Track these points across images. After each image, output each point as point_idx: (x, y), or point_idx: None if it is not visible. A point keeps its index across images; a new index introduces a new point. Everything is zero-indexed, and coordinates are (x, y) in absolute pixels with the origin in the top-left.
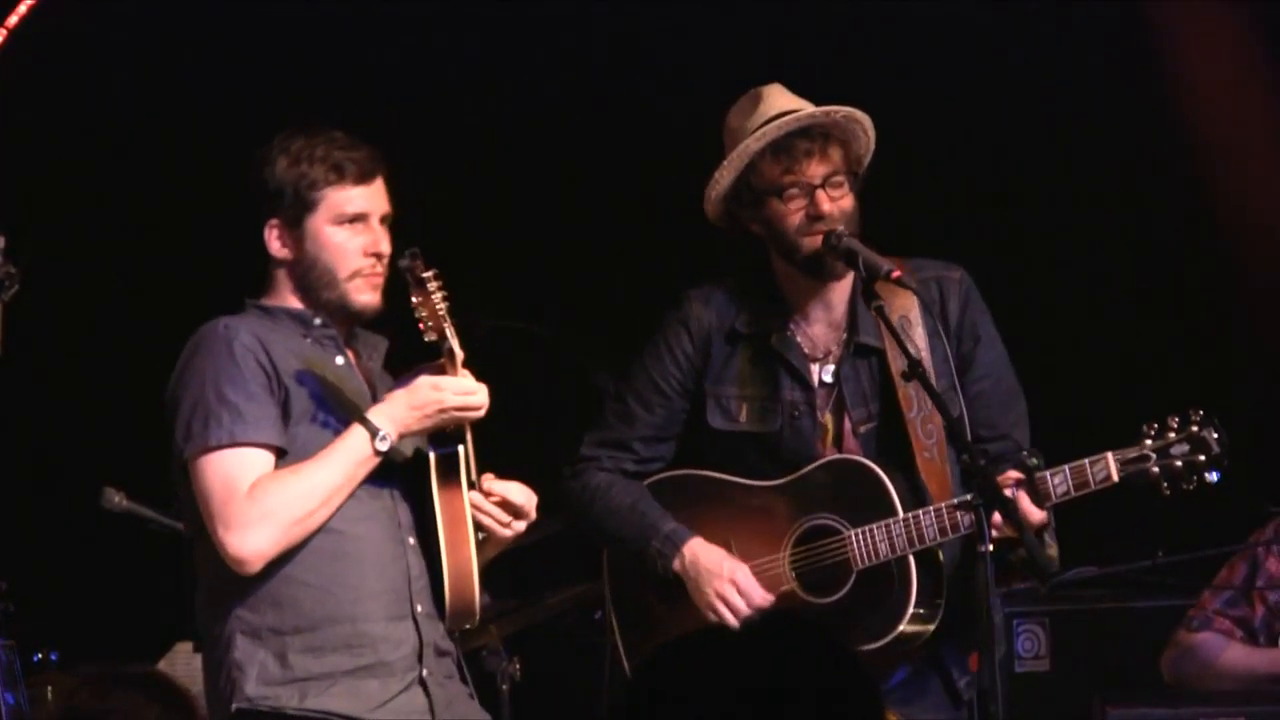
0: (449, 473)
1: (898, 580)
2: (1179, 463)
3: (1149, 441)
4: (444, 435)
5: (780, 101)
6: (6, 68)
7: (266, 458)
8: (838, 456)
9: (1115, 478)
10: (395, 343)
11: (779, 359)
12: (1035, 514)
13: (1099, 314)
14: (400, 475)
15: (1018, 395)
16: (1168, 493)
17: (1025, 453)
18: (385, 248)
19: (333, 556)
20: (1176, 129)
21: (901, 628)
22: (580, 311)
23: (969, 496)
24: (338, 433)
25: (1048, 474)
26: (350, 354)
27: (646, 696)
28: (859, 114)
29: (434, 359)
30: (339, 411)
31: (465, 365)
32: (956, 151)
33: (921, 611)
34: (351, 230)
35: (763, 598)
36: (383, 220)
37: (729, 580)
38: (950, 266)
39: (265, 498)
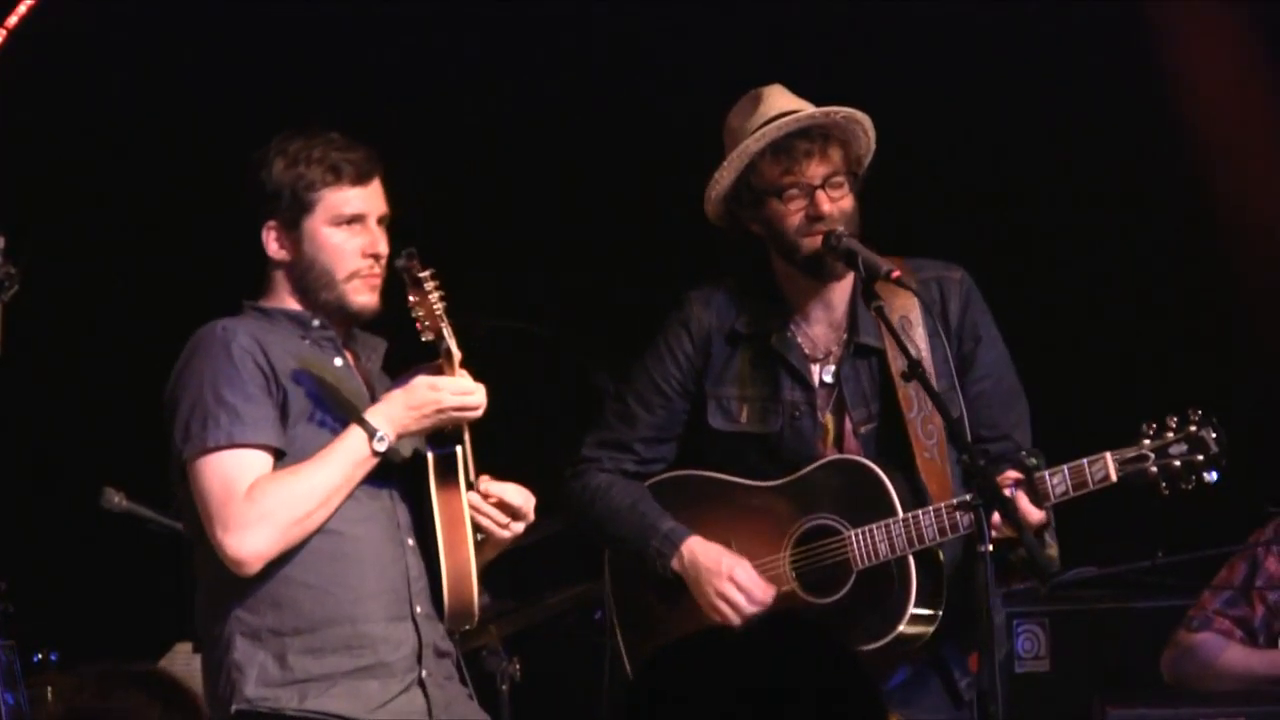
0: (447, 473)
1: (897, 581)
2: (1177, 463)
3: (1147, 441)
4: (442, 436)
5: (780, 102)
6: (6, 68)
7: (265, 459)
8: (838, 457)
9: (1114, 478)
10: (393, 343)
11: (779, 359)
12: (1034, 514)
13: (1099, 314)
14: (399, 476)
15: (1019, 395)
16: (1166, 493)
17: (1024, 453)
18: (383, 248)
19: (332, 557)
20: (1176, 129)
21: (901, 628)
22: (580, 311)
23: (968, 497)
24: (336, 434)
25: (1046, 474)
26: (349, 355)
27: (647, 697)
28: (859, 114)
29: (431, 359)
30: (337, 412)
31: (463, 365)
32: (956, 151)
33: (921, 612)
34: (349, 231)
35: (764, 592)
36: (380, 221)
37: (729, 578)
38: (951, 267)
39: (263, 499)
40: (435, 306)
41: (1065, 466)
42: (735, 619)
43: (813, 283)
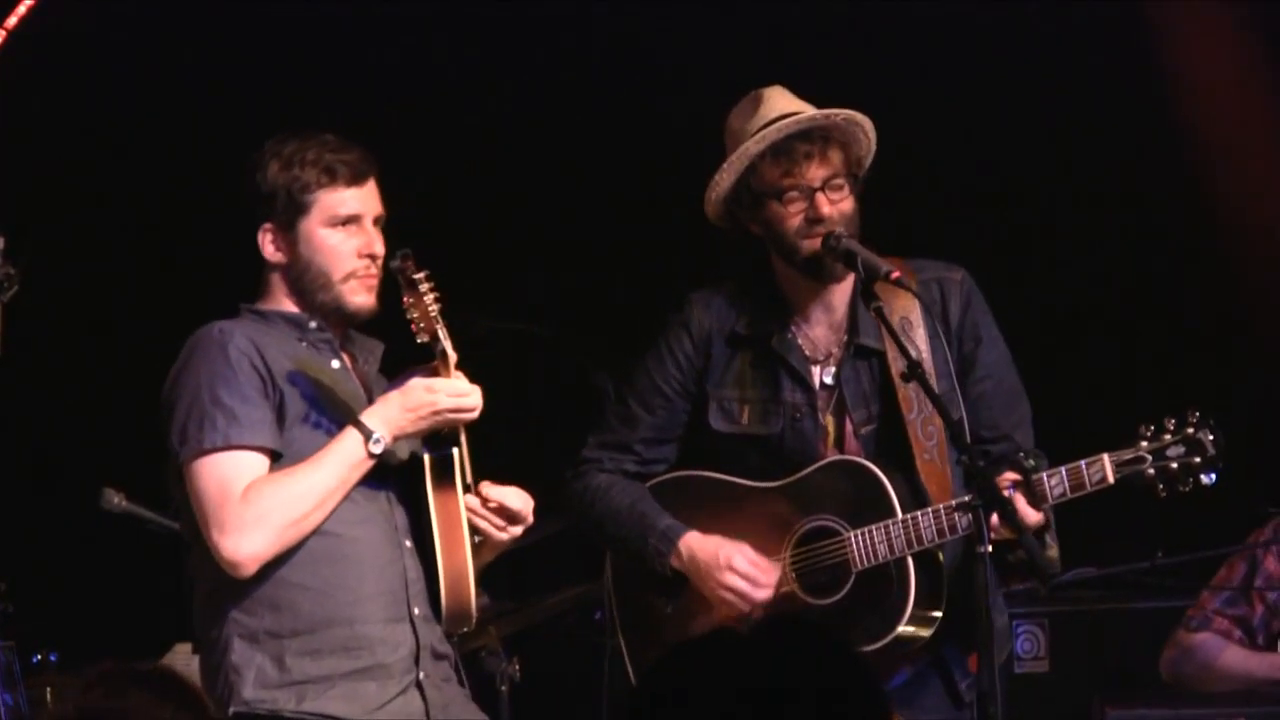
0: (444, 475)
1: (896, 582)
2: (1174, 465)
3: (1145, 443)
4: (439, 438)
5: (781, 104)
6: (6, 68)
7: (261, 461)
8: (838, 458)
9: (1111, 479)
10: (389, 345)
11: (780, 361)
12: (1032, 515)
13: (1099, 314)
14: (396, 478)
15: (1020, 396)
16: (1163, 495)
17: (1023, 454)
18: (379, 249)
19: (330, 559)
20: (1176, 129)
21: (900, 629)
22: (580, 311)
23: (967, 498)
24: (332, 436)
25: (1044, 475)
26: (346, 357)
27: (649, 700)
28: (859, 116)
29: (428, 361)
30: (333, 414)
31: (458, 367)
32: (956, 151)
33: (920, 613)
34: (345, 232)
35: (767, 572)
36: (376, 221)
37: (729, 568)
38: (951, 267)
39: (260, 500)
40: (430, 308)
41: (1063, 468)
42: (745, 606)
43: (813, 284)
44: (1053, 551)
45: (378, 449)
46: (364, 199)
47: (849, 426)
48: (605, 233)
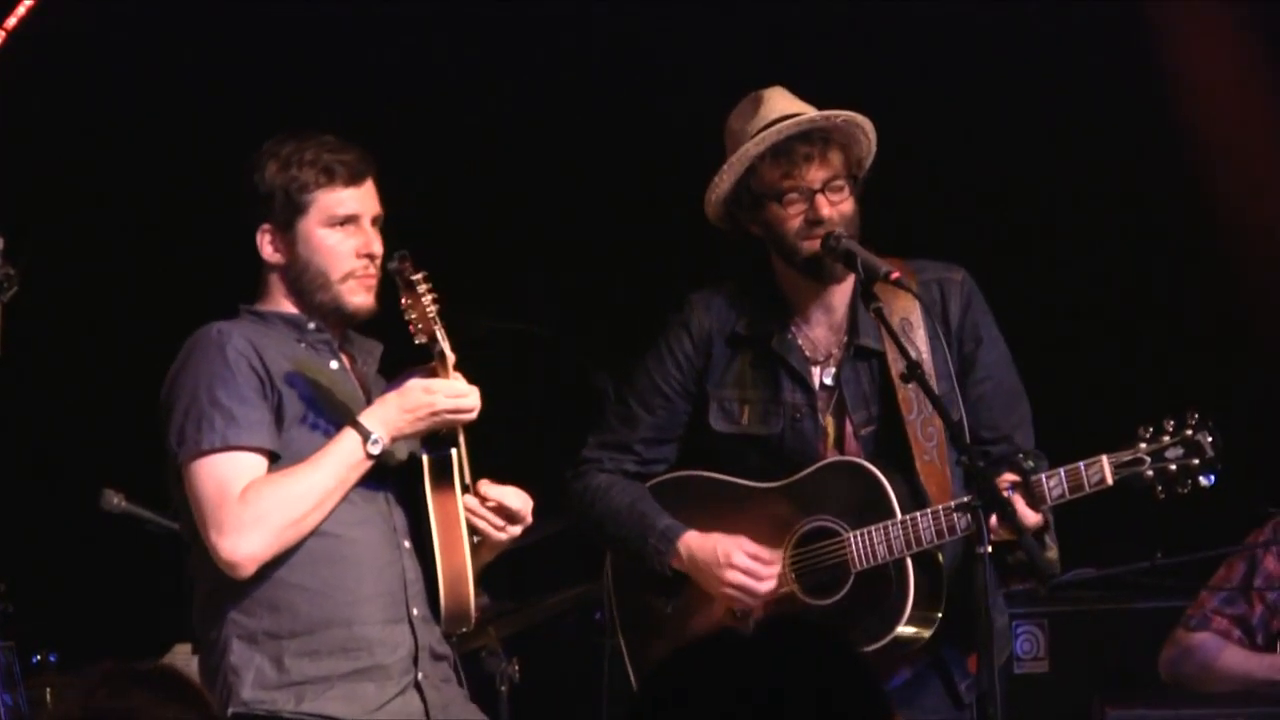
0: (442, 476)
1: (895, 582)
2: (1173, 467)
3: (1144, 445)
4: (437, 438)
5: (781, 105)
6: (6, 68)
7: (259, 461)
8: (838, 458)
9: (1110, 481)
10: (388, 346)
11: (780, 361)
12: (1031, 516)
13: (1099, 314)
14: (395, 479)
15: (1020, 397)
16: (1162, 496)
17: (1022, 455)
18: (377, 248)
19: (328, 560)
20: (1176, 129)
21: (899, 630)
22: (580, 311)
23: (966, 499)
24: (330, 437)
25: (1043, 477)
26: (345, 358)
27: (649, 702)
28: (860, 118)
29: (426, 361)
30: (332, 415)
31: (457, 367)
32: (956, 151)
33: (920, 614)
34: (344, 232)
35: (767, 563)
36: (374, 221)
37: (728, 565)
38: (952, 268)
39: (258, 501)
40: (428, 309)
41: (1062, 469)
42: (749, 601)
43: (813, 285)
44: (1052, 552)
45: (376, 450)
46: (362, 199)
47: (849, 427)
48: (605, 233)
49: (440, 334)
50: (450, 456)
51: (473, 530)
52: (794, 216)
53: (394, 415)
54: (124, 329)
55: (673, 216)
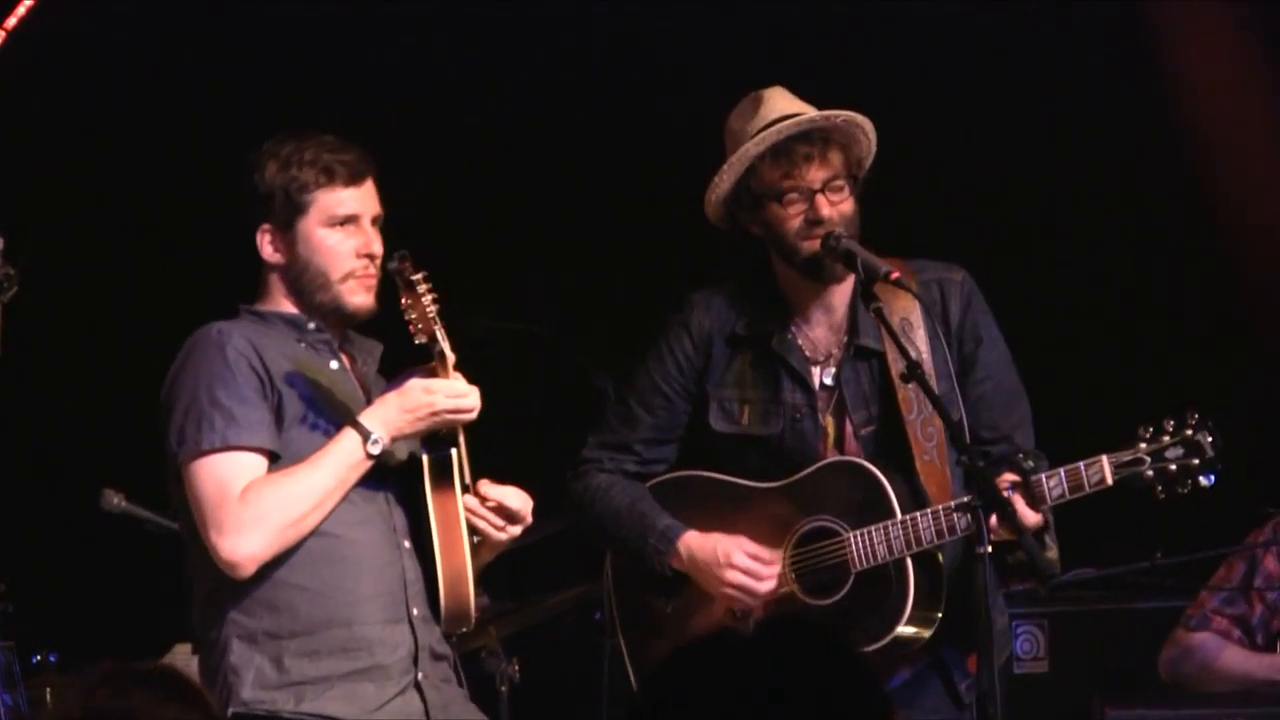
0: (442, 476)
1: (895, 582)
2: (1173, 467)
3: (1143, 445)
4: (437, 438)
5: (781, 105)
6: (6, 68)
7: (259, 461)
8: (838, 458)
9: (1109, 481)
10: (388, 347)
11: (780, 361)
12: (1031, 516)
13: (1099, 314)
14: (395, 479)
15: (1020, 397)
16: (1162, 496)
17: (1022, 455)
18: (377, 248)
19: (328, 560)
20: (1176, 129)
21: (899, 630)
22: (580, 311)
23: (966, 499)
24: (330, 437)
25: (1043, 477)
26: (345, 358)
27: (649, 702)
28: (860, 118)
29: (426, 362)
30: (332, 415)
31: (457, 367)
32: (956, 151)
33: (920, 614)
34: (343, 232)
35: (767, 562)
36: (374, 221)
37: (729, 564)
38: (952, 268)
39: (258, 501)
40: (428, 309)
41: (1062, 470)
42: (750, 600)
43: (813, 285)
44: (1052, 552)
45: (376, 450)
46: (362, 199)
47: (849, 427)
48: (605, 233)
49: (440, 334)
50: (450, 456)
51: (473, 530)
52: (794, 216)
53: (394, 415)
54: (124, 329)
55: (673, 216)
